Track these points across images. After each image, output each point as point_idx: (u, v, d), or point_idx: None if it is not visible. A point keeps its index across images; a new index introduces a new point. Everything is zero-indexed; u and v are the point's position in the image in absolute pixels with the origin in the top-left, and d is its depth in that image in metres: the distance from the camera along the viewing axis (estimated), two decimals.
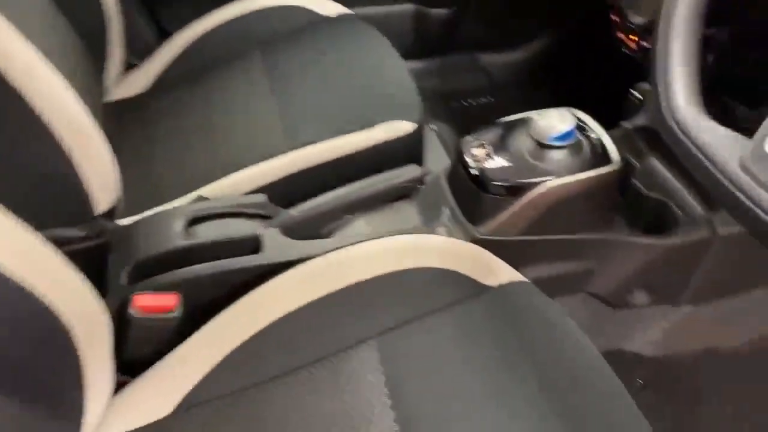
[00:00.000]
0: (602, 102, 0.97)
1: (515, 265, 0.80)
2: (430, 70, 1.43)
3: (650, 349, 0.94)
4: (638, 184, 0.89)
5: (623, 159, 0.86)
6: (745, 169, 0.40)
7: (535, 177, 0.75)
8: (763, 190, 0.38)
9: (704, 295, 0.89)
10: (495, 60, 1.46)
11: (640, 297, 0.89)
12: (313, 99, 0.95)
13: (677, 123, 0.46)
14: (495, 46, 1.45)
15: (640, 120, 0.97)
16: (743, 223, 0.41)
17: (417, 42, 1.38)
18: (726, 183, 0.41)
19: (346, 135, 0.87)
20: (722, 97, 0.75)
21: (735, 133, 0.43)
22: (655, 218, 0.87)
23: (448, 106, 1.42)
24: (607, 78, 1.07)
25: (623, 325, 0.93)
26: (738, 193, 0.40)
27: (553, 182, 0.74)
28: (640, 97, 0.96)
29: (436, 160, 1.08)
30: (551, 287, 0.85)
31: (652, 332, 0.93)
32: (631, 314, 0.91)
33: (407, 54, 1.39)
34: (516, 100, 1.45)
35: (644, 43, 0.72)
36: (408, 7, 1.33)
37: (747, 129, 0.76)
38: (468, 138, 0.81)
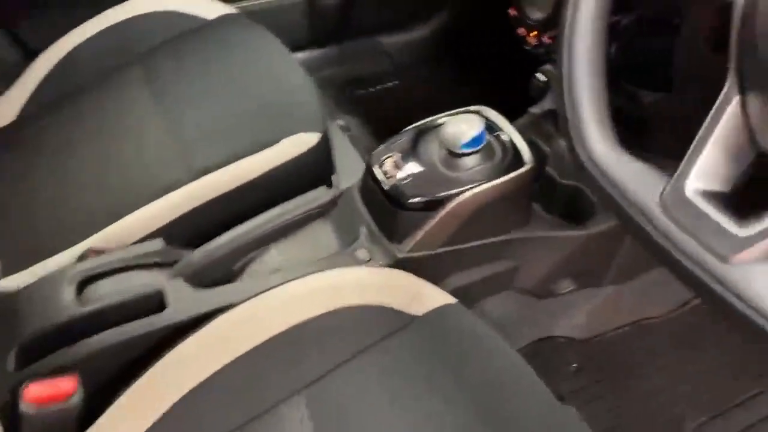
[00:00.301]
0: (509, 75, 0.95)
1: (441, 276, 0.78)
2: (329, 59, 1.36)
3: (579, 332, 0.95)
4: (551, 172, 0.88)
5: (534, 148, 0.84)
6: (665, 210, 0.38)
7: (451, 188, 0.72)
8: (685, 234, 0.37)
9: (625, 274, 0.91)
10: (395, 41, 1.41)
11: (564, 285, 0.89)
12: (205, 116, 0.87)
13: (592, 161, 0.43)
14: (394, 26, 1.40)
15: (547, 104, 0.96)
16: (665, 264, 0.39)
17: (312, 31, 1.31)
18: (646, 226, 0.39)
19: (247, 157, 0.80)
20: (626, 85, 0.74)
21: (653, 170, 0.41)
22: (571, 204, 0.87)
23: (353, 94, 1.37)
24: (512, 50, 1.05)
25: (551, 313, 0.93)
26: (658, 237, 0.38)
27: (469, 193, 0.71)
28: (545, 79, 0.94)
29: (348, 162, 1.03)
30: (478, 291, 0.84)
31: (578, 316, 0.94)
32: (557, 302, 0.91)
33: (303, 44, 1.33)
34: (421, 81, 1.41)
35: (545, 39, 0.69)
36: None
37: (655, 115, 0.76)
38: (377, 151, 0.77)
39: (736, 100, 0.36)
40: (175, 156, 0.82)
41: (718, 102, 0.37)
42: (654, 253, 0.39)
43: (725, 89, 0.36)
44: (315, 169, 0.85)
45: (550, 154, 0.89)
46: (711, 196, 0.37)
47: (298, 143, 0.83)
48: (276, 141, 0.82)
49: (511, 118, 0.98)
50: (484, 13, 1.29)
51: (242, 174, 0.79)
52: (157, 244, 0.70)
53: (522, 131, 0.94)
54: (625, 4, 0.64)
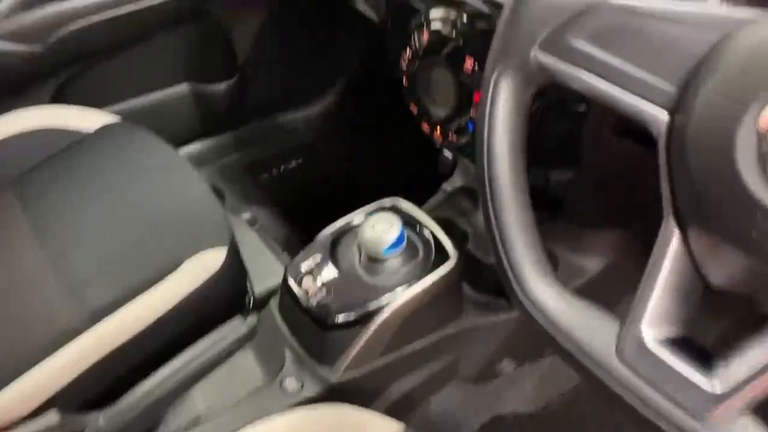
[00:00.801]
0: (412, 142, 0.92)
1: (381, 389, 0.73)
2: (227, 146, 1.30)
3: (525, 405, 0.92)
4: (474, 251, 0.86)
5: (453, 229, 0.82)
6: (624, 361, 0.35)
7: (377, 297, 0.67)
8: (650, 388, 0.34)
9: None
10: (293, 118, 1.37)
11: (506, 364, 0.87)
12: (93, 244, 0.78)
13: (536, 309, 0.40)
14: (290, 104, 1.36)
15: (458, 180, 0.94)
16: (631, 419, 0.36)
17: (203, 121, 1.24)
18: (605, 378, 0.36)
19: (149, 291, 0.72)
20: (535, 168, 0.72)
21: (602, 313, 0.39)
22: (498, 282, 0.85)
23: (256, 180, 1.31)
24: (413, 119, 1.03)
25: (496, 394, 0.90)
26: (621, 390, 0.35)
27: (398, 301, 0.67)
28: (451, 155, 0.93)
29: (262, 263, 0.97)
30: (422, 391, 0.79)
31: (523, 390, 0.91)
32: (501, 381, 0.88)
33: (196, 135, 1.26)
34: (325, 156, 1.38)
35: (451, 136, 0.67)
36: (183, 87, 1.18)
37: (567, 190, 0.76)
38: (293, 263, 0.72)
39: (676, 236, 0.34)
40: (64, 297, 0.72)
41: (658, 240, 0.35)
42: (617, 406, 0.36)
43: (664, 226, 0.34)
44: (227, 287, 0.78)
45: (470, 232, 0.87)
46: (669, 342, 0.34)
47: (204, 263, 0.76)
48: (178, 263, 0.75)
49: (420, 187, 0.96)
50: (378, 84, 1.28)
51: (146, 313, 0.70)
52: (53, 417, 0.60)
53: (437, 210, 0.92)
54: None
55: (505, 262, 0.43)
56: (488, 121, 0.41)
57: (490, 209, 0.42)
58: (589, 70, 0.37)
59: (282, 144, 1.34)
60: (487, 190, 0.42)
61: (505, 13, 0.41)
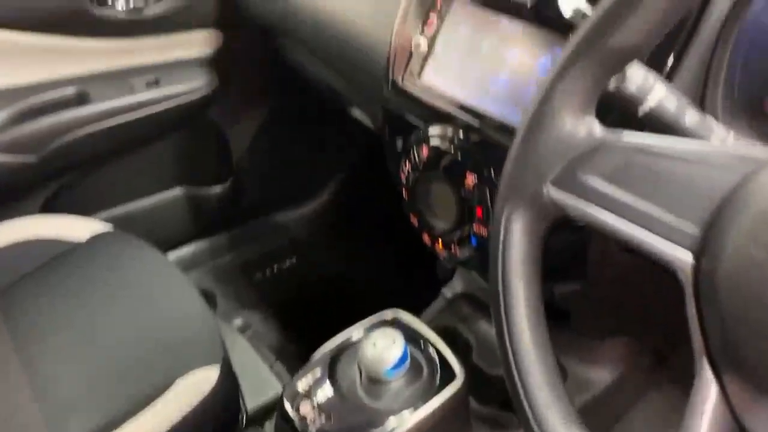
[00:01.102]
0: (408, 243, 0.91)
1: None
2: (224, 246, 1.28)
3: None
4: (477, 362, 0.83)
5: (456, 338, 0.79)
6: None
7: (381, 424, 0.63)
8: None
9: None
10: (290, 216, 1.36)
11: None
12: (81, 366, 0.74)
13: None
14: (285, 203, 1.35)
15: (458, 285, 0.92)
16: None
17: (196, 224, 1.23)
18: None
19: (140, 414, 0.68)
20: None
21: None
22: (505, 395, 0.81)
23: (252, 279, 1.28)
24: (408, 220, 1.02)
25: None
26: None
27: (402, 428, 0.63)
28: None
29: (255, 375, 0.93)
30: None
31: None
32: None
33: (189, 238, 1.24)
34: (321, 254, 1.36)
35: (454, 250, 0.66)
36: (178, 191, 1.18)
37: (574, 302, 0.74)
38: (289, 386, 0.68)
39: (713, 385, 0.32)
40: (45, 425, 0.68)
41: (694, 390, 0.32)
42: None
43: (698, 375, 0.32)
44: (220, 407, 0.74)
45: (473, 341, 0.84)
46: None
47: (197, 382, 0.72)
48: (168, 384, 0.71)
49: (418, 288, 0.94)
50: (374, 182, 1.28)
51: None
52: None
53: (438, 318, 0.89)
54: None
55: (525, 406, 0.40)
56: (502, 260, 0.40)
57: (509, 351, 0.40)
58: (606, 208, 0.36)
59: (276, 243, 1.32)
60: (505, 332, 0.40)
61: (515, 148, 0.41)
